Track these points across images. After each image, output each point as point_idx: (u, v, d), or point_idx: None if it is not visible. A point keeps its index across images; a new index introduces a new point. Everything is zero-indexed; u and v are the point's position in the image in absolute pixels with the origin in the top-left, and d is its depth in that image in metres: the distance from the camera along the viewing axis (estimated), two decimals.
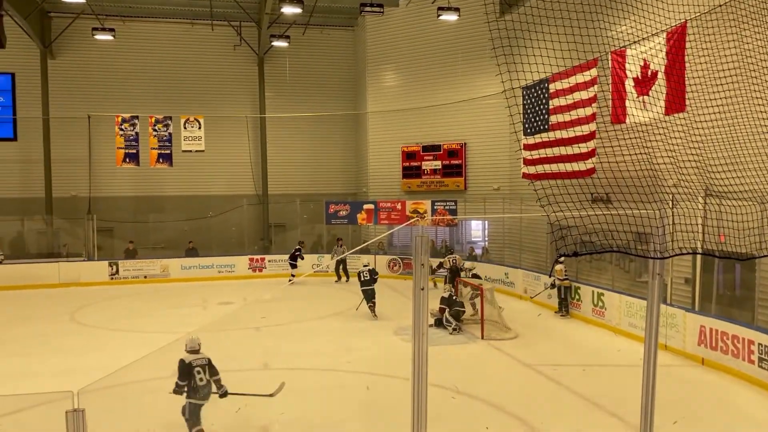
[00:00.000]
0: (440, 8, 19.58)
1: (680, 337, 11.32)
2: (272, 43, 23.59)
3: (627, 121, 11.42)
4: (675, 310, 11.60)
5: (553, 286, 15.10)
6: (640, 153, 6.77)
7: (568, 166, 13.48)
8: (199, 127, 22.07)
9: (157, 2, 23.02)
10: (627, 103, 11.84)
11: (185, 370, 7.26)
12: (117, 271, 20.98)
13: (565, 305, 14.90)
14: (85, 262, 21.36)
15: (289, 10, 19.06)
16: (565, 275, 14.93)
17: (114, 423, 7.71)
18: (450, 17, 19.78)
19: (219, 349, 11.91)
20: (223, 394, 7.52)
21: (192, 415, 7.31)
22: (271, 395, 8.04)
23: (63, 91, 23.27)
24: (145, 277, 21.11)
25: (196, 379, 7.25)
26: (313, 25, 23.97)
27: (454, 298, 13.63)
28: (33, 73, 22.97)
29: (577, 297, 14.74)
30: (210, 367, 7.44)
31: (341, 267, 20.87)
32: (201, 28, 24.23)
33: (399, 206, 21.91)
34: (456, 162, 21.97)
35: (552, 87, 14.86)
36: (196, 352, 7.47)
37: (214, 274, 21.58)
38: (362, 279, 14.65)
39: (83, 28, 22.60)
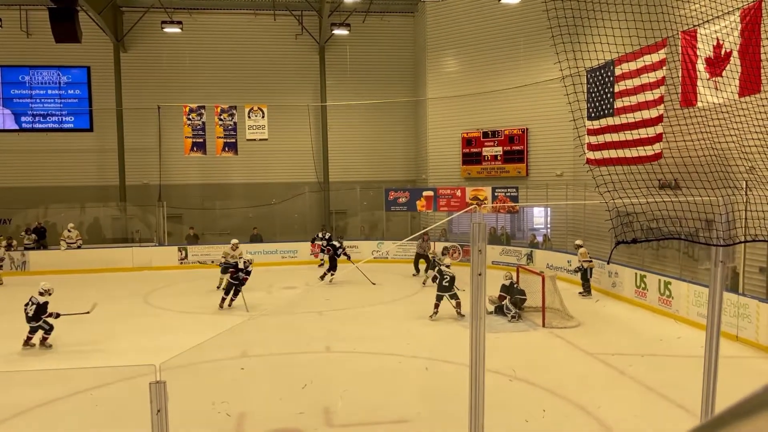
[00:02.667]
0: None
1: (753, 329, 10.90)
2: (333, 32, 23.82)
3: (698, 103, 11.01)
4: (748, 300, 11.16)
5: (578, 270, 15.76)
6: (711, 137, 6.55)
7: (634, 151, 13.11)
8: (263, 116, 22.61)
9: None
10: (698, 85, 11.42)
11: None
12: (186, 256, 21.84)
13: (587, 286, 15.69)
14: (156, 247, 22.34)
15: None
16: (589, 257, 15.72)
17: (191, 396, 8.14)
18: (512, 0, 19.45)
19: (284, 332, 12.36)
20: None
21: None
22: (87, 312, 10.23)
23: (134, 83, 24.30)
24: (212, 261, 21.88)
25: None
26: (373, 13, 24.06)
27: (515, 285, 13.54)
28: (107, 66, 24.09)
29: (642, 285, 14.37)
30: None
31: (426, 264, 18.45)
32: (263, 19, 24.72)
33: (459, 193, 21.83)
34: (517, 148, 21.68)
35: (618, 69, 14.45)
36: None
37: (277, 259, 22.16)
38: (443, 283, 13.20)
39: (153, 22, 23.50)
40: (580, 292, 15.59)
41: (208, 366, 9.91)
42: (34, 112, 23.91)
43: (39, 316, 10.84)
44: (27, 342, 11.01)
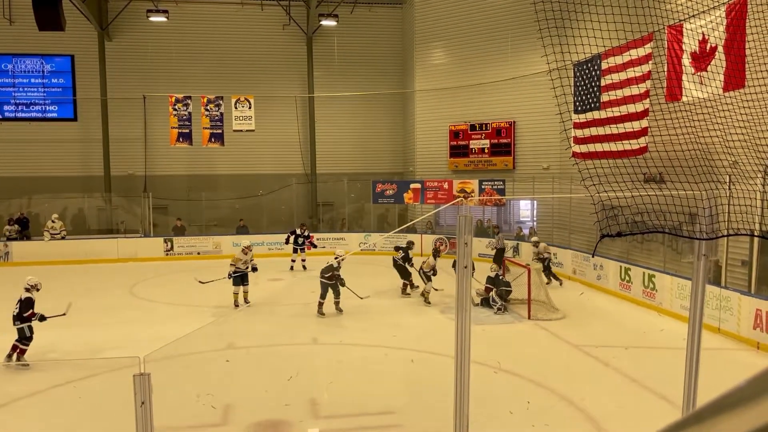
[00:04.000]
0: None
1: (735, 321, 11.05)
2: (321, 22, 23.69)
3: (683, 98, 11.09)
4: (730, 293, 11.31)
5: (540, 260, 16.18)
6: (696, 132, 6.60)
7: (619, 145, 13.20)
8: (250, 107, 22.46)
9: None
10: (683, 79, 11.49)
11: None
12: (172, 248, 21.72)
13: (551, 274, 16.29)
14: (141, 238, 22.18)
15: None
16: (547, 251, 16.77)
17: (176, 387, 8.12)
18: None
19: (270, 324, 12.34)
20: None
21: None
22: (63, 314, 9.70)
23: (120, 73, 24.03)
24: (198, 253, 21.79)
25: None
26: (361, 4, 23.96)
27: (500, 277, 13.62)
28: (91, 55, 23.78)
29: (627, 278, 14.52)
30: None
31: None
32: (251, 8, 24.52)
33: (446, 185, 21.88)
34: (504, 141, 21.74)
35: (604, 63, 14.50)
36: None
37: (264, 251, 22.07)
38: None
39: (138, 10, 23.22)
40: (546, 283, 15.25)
41: (194, 358, 9.87)
42: (17, 101, 23.56)
43: (22, 315, 9.53)
44: (12, 353, 9.56)
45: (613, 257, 15.53)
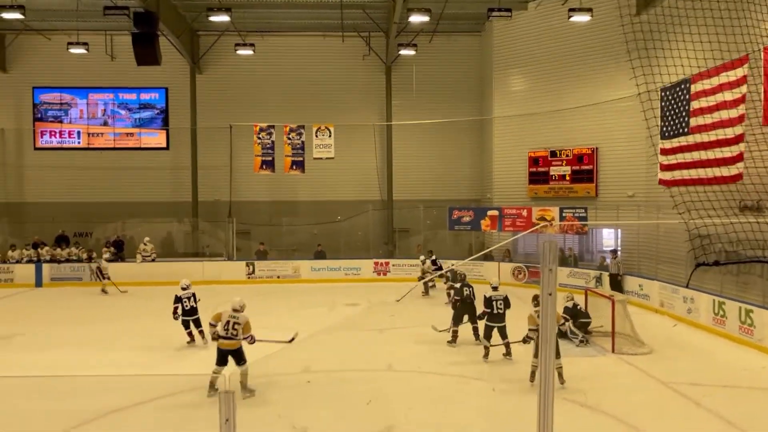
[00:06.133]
0: (571, 9, 19.00)
1: None
2: (399, 52, 24.08)
3: None
4: None
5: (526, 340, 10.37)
6: None
7: (711, 172, 12.56)
8: (330, 135, 23.04)
9: (292, 17, 24.29)
10: None
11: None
12: (253, 271, 22.37)
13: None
14: (225, 261, 22.99)
15: (416, 18, 19.44)
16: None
17: (258, 406, 8.29)
18: (582, 18, 19.12)
19: (345, 349, 12.42)
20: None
21: None
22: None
23: (208, 103, 25.30)
24: (278, 277, 22.33)
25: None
26: (440, 32, 24.17)
27: (579, 308, 13.15)
28: (183, 87, 25.22)
29: (721, 313, 13.65)
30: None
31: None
32: (332, 40, 25.26)
33: (525, 213, 21.47)
34: (586, 167, 21.17)
35: (693, 88, 13.92)
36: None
37: (341, 276, 22.36)
38: (494, 311, 11.54)
39: (227, 44, 24.43)
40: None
41: (273, 379, 10.06)
42: (116, 132, 25.24)
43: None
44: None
45: (705, 290, 14.67)
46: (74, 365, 11.17)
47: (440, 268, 19.14)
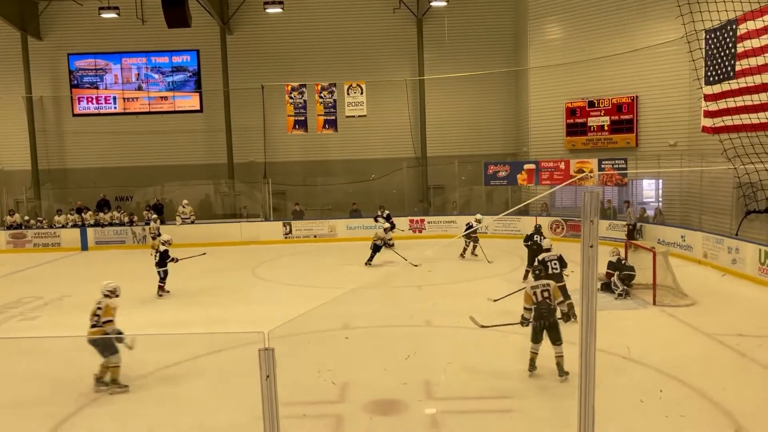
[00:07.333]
0: None
1: None
2: (431, 4, 23.48)
3: None
4: None
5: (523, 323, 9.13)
6: None
7: (757, 117, 12.02)
8: (361, 93, 22.79)
9: None
10: None
11: None
12: (290, 231, 22.61)
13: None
14: (262, 222, 23.28)
15: None
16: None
17: (297, 363, 8.45)
18: None
19: (384, 306, 12.52)
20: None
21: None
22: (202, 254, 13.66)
23: (239, 64, 25.23)
24: (315, 236, 22.54)
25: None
26: None
27: (623, 261, 12.92)
28: (214, 48, 25.15)
29: (767, 262, 13.24)
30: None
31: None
32: None
33: (562, 165, 21.06)
34: (626, 117, 20.52)
35: (739, 30, 13.23)
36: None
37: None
38: (550, 272, 10.74)
39: (256, 3, 24.17)
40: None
41: (313, 335, 10.22)
42: (150, 96, 25.45)
43: (164, 261, 13.77)
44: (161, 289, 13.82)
45: (750, 240, 14.23)
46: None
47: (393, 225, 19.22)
